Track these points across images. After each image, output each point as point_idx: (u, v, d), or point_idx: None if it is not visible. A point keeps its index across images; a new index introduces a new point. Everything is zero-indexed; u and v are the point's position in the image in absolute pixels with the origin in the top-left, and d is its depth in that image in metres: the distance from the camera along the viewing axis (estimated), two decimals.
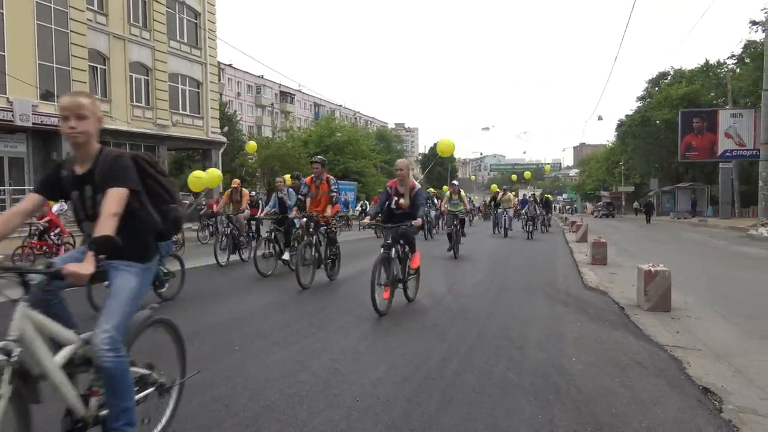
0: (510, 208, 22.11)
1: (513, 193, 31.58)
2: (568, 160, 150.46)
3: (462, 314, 7.40)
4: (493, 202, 26.80)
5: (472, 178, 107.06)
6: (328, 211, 10.07)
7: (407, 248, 7.82)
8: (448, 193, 15.95)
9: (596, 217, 60.33)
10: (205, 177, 17.24)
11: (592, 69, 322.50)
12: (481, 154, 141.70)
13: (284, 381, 4.59)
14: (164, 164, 28.48)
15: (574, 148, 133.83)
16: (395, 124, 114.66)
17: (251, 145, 21.45)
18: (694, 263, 13.71)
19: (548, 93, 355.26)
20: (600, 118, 69.67)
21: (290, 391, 4.37)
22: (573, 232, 24.53)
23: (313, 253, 9.53)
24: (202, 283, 9.97)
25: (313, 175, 10.35)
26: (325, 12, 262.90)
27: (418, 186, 8.15)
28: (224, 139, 34.92)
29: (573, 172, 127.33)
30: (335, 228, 10.55)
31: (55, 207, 16.06)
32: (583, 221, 24.19)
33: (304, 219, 10.04)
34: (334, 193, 10.23)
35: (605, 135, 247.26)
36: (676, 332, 6.35)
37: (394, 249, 7.39)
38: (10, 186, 22.69)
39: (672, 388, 4.54)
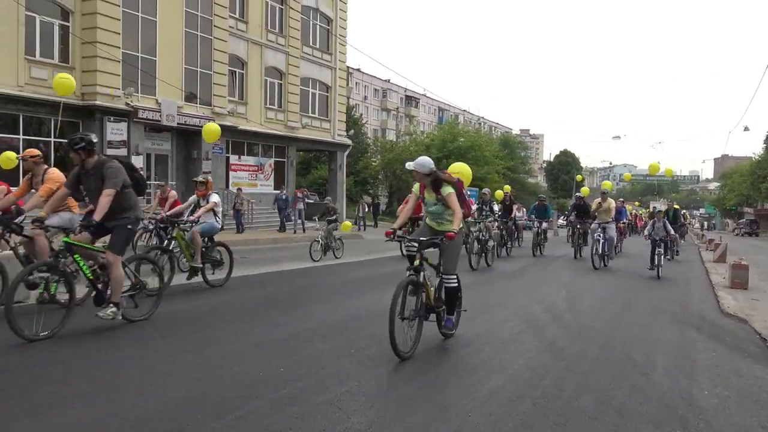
0: (610, 222, 15.30)
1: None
2: (707, 172, 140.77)
3: (581, 333, 7.09)
4: (575, 212, 17.88)
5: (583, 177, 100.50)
6: None
7: None
8: (416, 187, 6.36)
9: (737, 235, 56.08)
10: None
11: (736, 76, 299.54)
12: (611, 163, 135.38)
13: (398, 388, 4.60)
14: (293, 164, 29.71)
15: (714, 159, 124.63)
16: (520, 130, 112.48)
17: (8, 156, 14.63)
18: None
19: (686, 101, 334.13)
20: (746, 129, 64.02)
21: (403, 400, 4.37)
22: (710, 250, 22.86)
23: None
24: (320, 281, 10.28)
25: None
26: (452, 17, 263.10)
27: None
28: (349, 142, 35.94)
29: (712, 186, 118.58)
30: None
31: None
32: (722, 240, 22.45)
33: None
34: None
35: (751, 146, 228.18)
36: None
37: None
38: (155, 180, 24.62)
39: None
